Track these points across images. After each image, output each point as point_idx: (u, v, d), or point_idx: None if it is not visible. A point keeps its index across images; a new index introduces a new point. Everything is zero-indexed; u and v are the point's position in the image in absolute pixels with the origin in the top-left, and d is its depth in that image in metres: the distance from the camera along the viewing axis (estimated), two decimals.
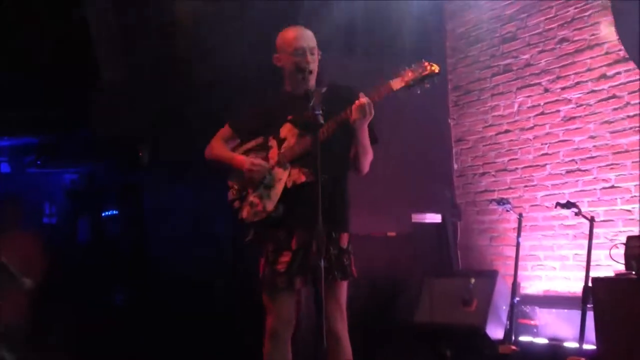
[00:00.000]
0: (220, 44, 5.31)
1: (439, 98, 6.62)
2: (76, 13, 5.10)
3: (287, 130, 3.53)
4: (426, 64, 3.31)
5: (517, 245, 5.44)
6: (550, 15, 5.94)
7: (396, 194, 5.85)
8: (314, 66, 3.48)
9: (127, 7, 5.27)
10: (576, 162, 5.64)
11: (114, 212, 8.70)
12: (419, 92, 3.31)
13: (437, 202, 6.36)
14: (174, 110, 6.08)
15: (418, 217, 6.14)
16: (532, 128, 6.01)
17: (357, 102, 3.28)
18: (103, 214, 8.89)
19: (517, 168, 6.13)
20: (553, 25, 5.90)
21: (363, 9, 5.96)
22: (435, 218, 6.31)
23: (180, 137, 6.07)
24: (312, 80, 3.49)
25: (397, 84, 3.31)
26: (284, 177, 3.47)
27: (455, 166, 6.69)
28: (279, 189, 3.46)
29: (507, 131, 6.23)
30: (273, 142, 3.57)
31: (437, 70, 3.30)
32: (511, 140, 6.19)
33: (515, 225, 5.61)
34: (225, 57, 5.28)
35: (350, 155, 3.53)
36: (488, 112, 6.41)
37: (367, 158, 3.51)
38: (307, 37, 3.53)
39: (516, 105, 6.16)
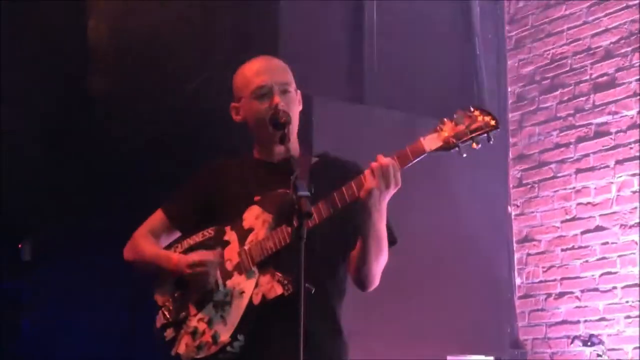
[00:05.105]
0: (157, 82, 5.40)
1: (494, 172, 6.62)
2: None
3: (253, 217, 3.48)
4: (477, 112, 3.33)
5: None
6: None
7: (424, 323, 5.81)
8: (290, 113, 3.46)
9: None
10: None
11: None
12: (464, 155, 3.37)
13: (489, 337, 6.32)
14: (78, 184, 6.07)
15: None
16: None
17: (373, 163, 3.21)
18: None
19: (614, 287, 6.11)
20: None
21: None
22: None
23: (84, 225, 6.08)
24: (293, 134, 3.49)
25: (431, 142, 3.24)
26: (248, 289, 3.46)
27: (519, 281, 6.70)
28: (240, 307, 3.44)
29: (600, 228, 6.26)
30: (232, 235, 3.51)
31: (493, 123, 3.31)
32: (606, 242, 6.22)
33: None
34: (165, 102, 5.36)
35: (352, 256, 3.52)
36: (571, 198, 6.44)
37: (380, 260, 3.41)
38: (274, 69, 3.53)
39: (614, 189, 6.21)
